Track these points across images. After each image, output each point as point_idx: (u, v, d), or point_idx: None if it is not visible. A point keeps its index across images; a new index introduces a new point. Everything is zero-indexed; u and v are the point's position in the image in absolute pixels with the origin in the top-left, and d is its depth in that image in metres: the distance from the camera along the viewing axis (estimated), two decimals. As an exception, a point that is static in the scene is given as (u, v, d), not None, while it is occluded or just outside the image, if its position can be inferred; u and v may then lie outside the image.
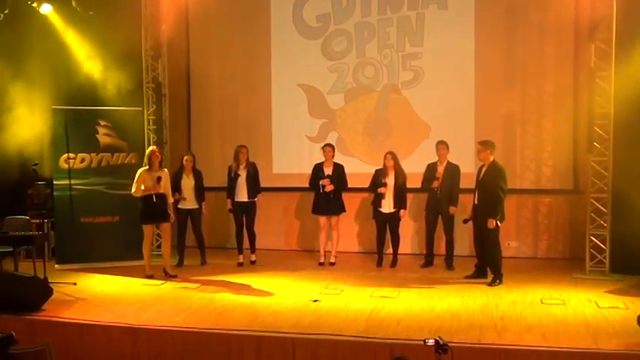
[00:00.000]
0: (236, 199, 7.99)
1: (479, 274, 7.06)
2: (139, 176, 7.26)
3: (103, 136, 8.15)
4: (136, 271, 7.49)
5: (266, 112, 9.21)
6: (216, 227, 9.07)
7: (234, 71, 9.37)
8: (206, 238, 8.27)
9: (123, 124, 8.23)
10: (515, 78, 8.37)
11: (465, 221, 7.13)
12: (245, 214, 8.03)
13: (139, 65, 8.53)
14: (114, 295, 6.61)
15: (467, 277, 7.10)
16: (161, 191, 7.29)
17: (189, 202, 7.94)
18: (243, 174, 7.97)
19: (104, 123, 8.15)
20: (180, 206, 7.95)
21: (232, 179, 8.01)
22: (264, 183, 8.24)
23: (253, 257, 8.20)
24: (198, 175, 8.03)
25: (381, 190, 7.67)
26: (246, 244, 8.12)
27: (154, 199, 7.22)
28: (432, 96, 8.56)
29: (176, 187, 7.89)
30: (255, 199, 8.05)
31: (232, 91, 9.39)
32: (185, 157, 8.02)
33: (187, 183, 7.94)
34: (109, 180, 8.09)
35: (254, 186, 8.01)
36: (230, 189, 8.02)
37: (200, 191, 8.02)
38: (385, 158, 7.73)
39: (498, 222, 6.72)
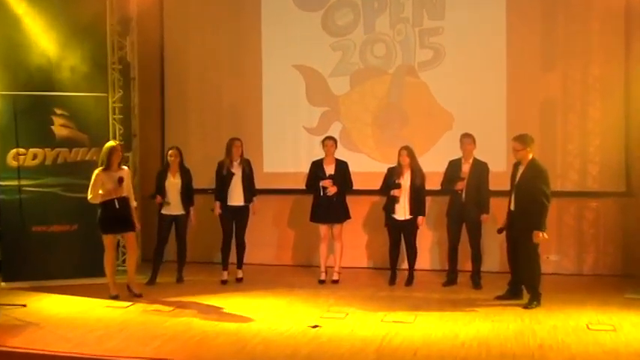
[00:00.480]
0: (228, 203, 7.97)
1: (513, 294, 7.03)
2: (95, 178, 7.22)
3: (60, 127, 8.11)
4: (99, 291, 7.45)
5: (255, 98, 9.19)
6: (199, 238, 9.04)
7: (217, 50, 9.34)
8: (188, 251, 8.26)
9: (83, 113, 8.19)
10: (555, 58, 8.35)
11: (500, 231, 7.09)
12: (236, 220, 8.01)
13: (103, 43, 8.51)
14: (71, 319, 6.56)
15: (498, 298, 7.08)
16: (124, 194, 7.29)
17: (175, 207, 7.94)
18: (238, 172, 7.95)
19: (61, 112, 8.12)
20: (164, 212, 7.95)
21: (224, 178, 7.98)
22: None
23: (240, 274, 8.17)
24: (186, 175, 8.03)
25: (394, 192, 7.64)
26: (232, 257, 8.09)
27: (117, 205, 7.21)
28: (455, 79, 8.54)
29: (159, 189, 7.88)
30: (251, 203, 8.04)
31: (215, 74, 9.36)
32: (169, 152, 8.01)
33: (173, 184, 7.93)
34: (66, 180, 8.05)
35: (250, 187, 8.00)
36: (220, 190, 8.00)
37: (188, 194, 8.01)
38: (399, 154, 7.70)
39: (545, 234, 6.67)
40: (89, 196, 7.23)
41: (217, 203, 8.02)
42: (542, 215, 6.66)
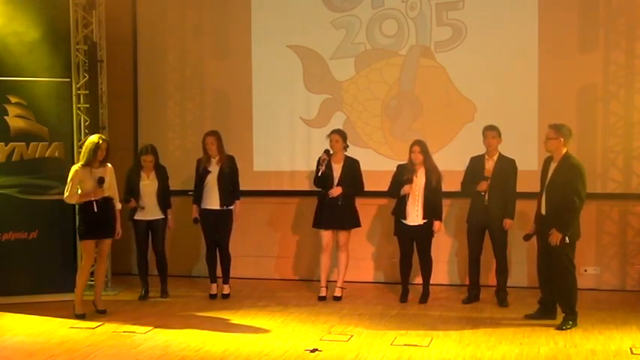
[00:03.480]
0: (204, 206, 8.10)
1: (544, 312, 7.12)
2: (73, 175, 7.36)
3: (15, 118, 8.17)
4: (63, 309, 7.55)
5: (244, 84, 9.27)
6: (177, 248, 9.13)
7: (199, 27, 9.44)
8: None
9: (43, 102, 8.26)
10: (595, 37, 8.40)
11: (527, 237, 7.16)
12: (217, 227, 8.13)
13: (65, 19, 8.54)
14: (30, 342, 6.63)
15: (527, 317, 7.17)
16: (105, 195, 7.42)
17: (151, 212, 8.10)
18: (215, 170, 8.07)
19: (16, 100, 8.18)
20: (138, 217, 8.08)
21: (200, 177, 8.11)
22: (241, 185, 8.30)
23: (227, 289, 8.29)
24: (162, 174, 8.19)
25: (404, 189, 7.69)
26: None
27: (95, 208, 7.33)
28: (477, 62, 8.62)
29: (132, 192, 8.03)
30: (232, 206, 8.14)
31: (196, 56, 9.46)
32: (143, 157, 8.12)
33: (148, 186, 8.09)
34: (23, 180, 8.11)
35: (230, 189, 8.11)
36: (197, 191, 8.14)
37: (165, 195, 8.18)
38: (411, 150, 7.78)
39: (567, 238, 6.75)
40: (65, 195, 7.36)
41: (194, 207, 8.17)
42: (571, 216, 6.73)
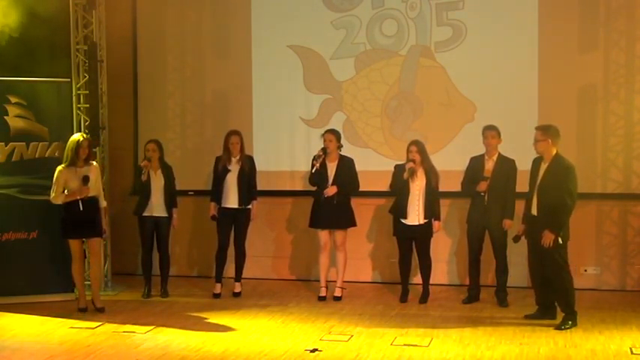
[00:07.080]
0: (223, 205, 8.14)
1: (544, 312, 7.13)
2: (58, 176, 7.44)
3: (15, 118, 8.19)
4: (62, 309, 7.59)
5: (244, 84, 9.29)
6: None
7: (199, 27, 9.45)
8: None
9: (43, 102, 8.28)
10: (595, 37, 8.42)
11: (516, 239, 7.19)
12: (234, 225, 8.20)
13: (66, 19, 8.57)
14: (30, 342, 6.65)
15: (527, 317, 7.18)
16: (90, 194, 7.46)
17: (157, 208, 8.17)
18: (235, 169, 8.12)
19: (16, 100, 8.20)
20: (145, 213, 8.16)
21: (219, 176, 8.15)
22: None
23: (238, 287, 8.35)
24: (168, 172, 8.26)
25: (409, 165, 7.64)
26: (229, 272, 8.30)
27: (80, 207, 7.40)
28: (477, 62, 8.64)
29: (140, 186, 8.13)
30: (250, 206, 8.21)
31: (197, 56, 9.48)
32: (147, 146, 8.20)
33: (154, 182, 8.15)
34: (23, 180, 8.14)
35: (249, 188, 8.17)
36: (215, 189, 8.18)
37: (171, 194, 8.23)
38: (409, 151, 7.79)
39: (560, 239, 6.77)
40: (51, 196, 7.44)
41: (212, 204, 8.21)
42: (561, 216, 6.75)
